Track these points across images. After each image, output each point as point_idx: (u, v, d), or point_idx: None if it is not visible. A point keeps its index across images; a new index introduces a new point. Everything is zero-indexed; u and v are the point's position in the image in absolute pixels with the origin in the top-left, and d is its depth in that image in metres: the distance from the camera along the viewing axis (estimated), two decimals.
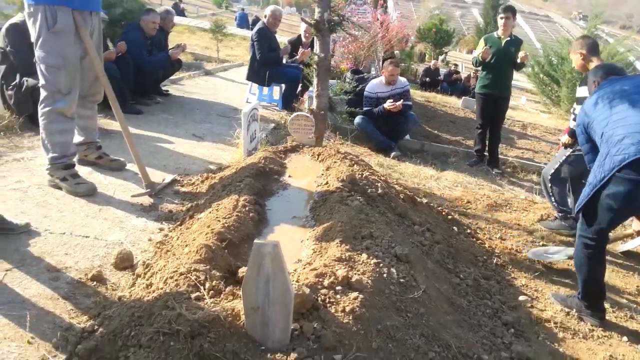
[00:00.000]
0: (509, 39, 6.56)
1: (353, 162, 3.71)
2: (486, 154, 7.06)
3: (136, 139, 4.80)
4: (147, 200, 3.43)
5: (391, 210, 3.29)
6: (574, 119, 4.55)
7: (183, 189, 3.70)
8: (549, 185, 4.88)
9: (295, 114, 4.25)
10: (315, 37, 4.36)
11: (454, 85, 16.73)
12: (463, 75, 17.21)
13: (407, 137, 7.45)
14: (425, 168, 6.40)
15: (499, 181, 6.42)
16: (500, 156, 7.20)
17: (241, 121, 4.22)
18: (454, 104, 12.91)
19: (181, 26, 21.58)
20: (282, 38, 12.55)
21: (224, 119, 6.24)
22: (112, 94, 3.54)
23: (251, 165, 3.40)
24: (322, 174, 3.50)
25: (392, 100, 6.76)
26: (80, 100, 3.59)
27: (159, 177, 3.88)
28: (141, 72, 6.19)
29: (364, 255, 2.38)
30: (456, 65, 19.63)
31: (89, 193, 3.36)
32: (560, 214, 4.82)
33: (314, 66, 4.34)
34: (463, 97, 12.77)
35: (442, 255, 3.22)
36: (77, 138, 3.78)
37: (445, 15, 34.35)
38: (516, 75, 7.27)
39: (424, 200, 4.50)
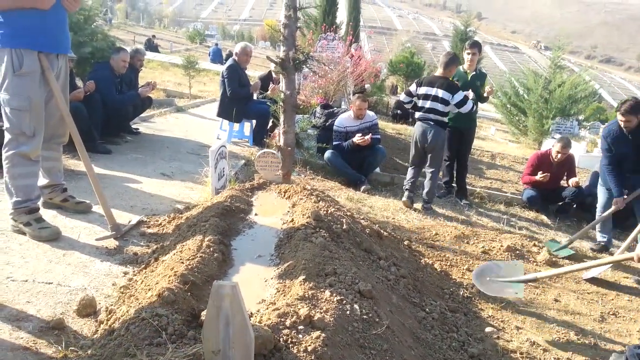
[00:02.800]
0: (474, 73, 6.78)
1: (319, 198, 3.76)
2: (454, 185, 7.21)
3: (104, 180, 4.82)
4: (112, 243, 3.40)
5: (356, 246, 3.33)
6: None
7: (149, 230, 3.69)
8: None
9: (261, 151, 4.30)
10: (281, 75, 4.46)
11: None
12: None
13: (378, 170, 7.56)
14: (394, 201, 6.49)
15: (467, 212, 6.53)
16: (468, 187, 7.34)
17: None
18: None
19: (154, 62, 21.73)
20: (255, 73, 12.74)
21: (193, 156, 6.27)
22: (78, 135, 3.55)
23: (217, 204, 3.42)
24: (288, 211, 3.53)
25: (360, 135, 6.88)
26: (46, 142, 3.58)
27: (125, 218, 3.87)
28: (110, 111, 6.20)
29: (327, 293, 2.41)
30: None
31: (53, 237, 3.32)
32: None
33: (280, 103, 4.42)
34: None
35: (407, 289, 3.26)
36: (42, 181, 3.75)
37: (417, 48, 35.29)
38: (486, 105, 7.52)
39: (392, 234, 4.57)
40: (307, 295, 2.35)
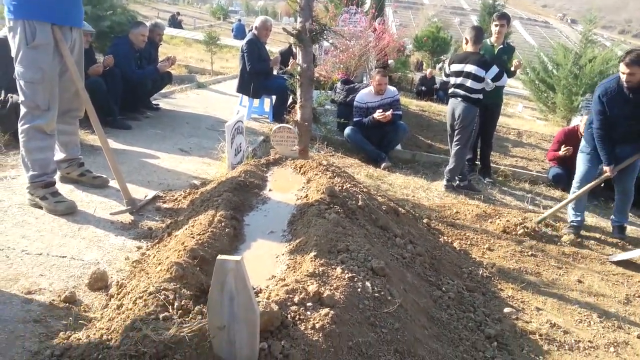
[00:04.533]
0: (502, 46, 6.57)
1: (335, 174, 3.69)
2: (478, 162, 7.05)
3: (122, 155, 4.83)
4: (127, 218, 3.41)
5: (372, 223, 3.26)
6: None
7: (165, 206, 3.68)
8: None
9: (277, 125, 4.24)
10: (297, 47, 4.36)
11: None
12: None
13: (399, 147, 7.44)
14: (415, 178, 6.39)
15: (490, 190, 6.39)
16: (492, 165, 7.17)
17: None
18: None
19: (177, 38, 21.76)
20: (277, 49, 12.62)
21: (212, 132, 6.24)
22: (93, 110, 3.53)
23: (231, 179, 3.38)
24: (303, 187, 3.48)
25: (381, 110, 6.76)
26: (61, 116, 3.58)
27: (141, 193, 3.87)
28: (130, 86, 6.20)
29: (339, 270, 2.36)
30: None
31: (69, 211, 3.33)
32: None
33: (297, 76, 4.34)
34: None
35: (423, 267, 3.19)
36: (59, 155, 3.76)
37: (443, 23, 34.57)
38: (514, 82, 7.28)
39: (410, 211, 4.48)
40: (317, 272, 2.30)
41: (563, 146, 6.78)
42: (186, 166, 4.81)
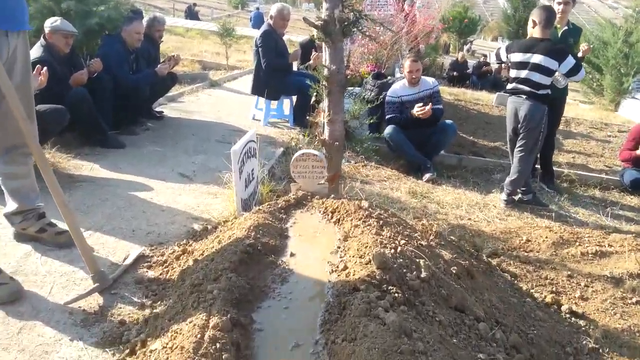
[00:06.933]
0: (566, 28, 5.40)
1: (381, 221, 2.65)
2: (537, 167, 5.88)
3: (106, 188, 3.83)
4: (94, 302, 2.42)
5: (443, 303, 2.23)
6: None
7: (149, 274, 2.68)
8: None
9: (299, 152, 3.19)
10: (324, 44, 3.32)
11: (484, 78, 15.49)
12: (493, 66, 15.85)
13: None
14: (466, 192, 5.32)
15: (558, 202, 5.29)
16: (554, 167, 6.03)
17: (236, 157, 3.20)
18: (486, 100, 11.70)
19: (193, 30, 20.81)
20: (297, 39, 11.52)
21: (223, 145, 5.20)
22: (37, 146, 2.50)
23: (236, 243, 2.36)
24: (339, 248, 2.45)
25: (420, 104, 5.66)
26: (6, 155, 2.64)
27: (121, 251, 2.89)
28: (124, 93, 5.21)
29: None
30: (485, 56, 18.31)
31: (12, 299, 2.35)
32: None
33: (324, 82, 3.30)
34: (497, 93, 11.53)
35: None
36: (10, 206, 2.81)
37: (469, 3, 32.97)
38: None
39: (482, 260, 3.41)
40: None
41: None
42: (186, 200, 3.81)
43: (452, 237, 3.67)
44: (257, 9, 32.69)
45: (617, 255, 4.00)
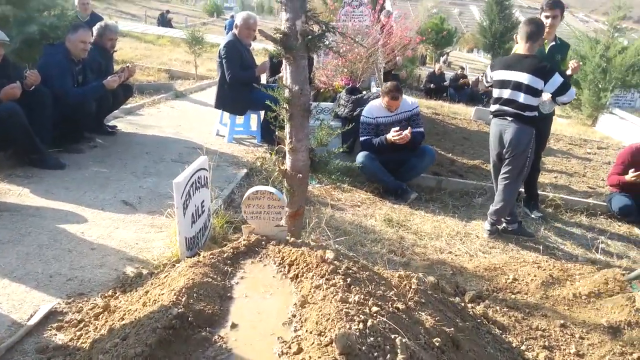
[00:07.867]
0: (554, 43, 5.00)
1: (349, 278, 2.15)
2: (521, 189, 5.45)
3: (31, 220, 3.26)
4: None
5: None
6: None
7: (57, 339, 2.12)
8: None
9: (252, 190, 2.66)
10: (284, 61, 2.83)
11: (461, 90, 15.20)
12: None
13: None
14: (446, 219, 4.87)
15: (544, 231, 4.88)
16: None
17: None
18: (464, 114, 11.37)
19: (165, 38, 20.20)
20: (261, 45, 10.99)
21: (179, 166, 4.64)
22: None
23: (159, 313, 1.84)
24: (294, 317, 1.94)
25: (397, 128, 5.20)
26: None
27: (31, 303, 2.34)
28: (67, 108, 4.63)
29: None
30: (462, 68, 18.09)
31: None
32: None
33: (285, 105, 2.81)
34: (475, 107, 11.22)
35: None
36: None
37: (444, 14, 33.02)
38: None
39: (466, 328, 2.94)
40: None
41: (632, 170, 5.27)
42: (123, 235, 3.25)
43: (431, 277, 3.20)
44: (232, 17, 32.17)
45: (611, 298, 3.59)
